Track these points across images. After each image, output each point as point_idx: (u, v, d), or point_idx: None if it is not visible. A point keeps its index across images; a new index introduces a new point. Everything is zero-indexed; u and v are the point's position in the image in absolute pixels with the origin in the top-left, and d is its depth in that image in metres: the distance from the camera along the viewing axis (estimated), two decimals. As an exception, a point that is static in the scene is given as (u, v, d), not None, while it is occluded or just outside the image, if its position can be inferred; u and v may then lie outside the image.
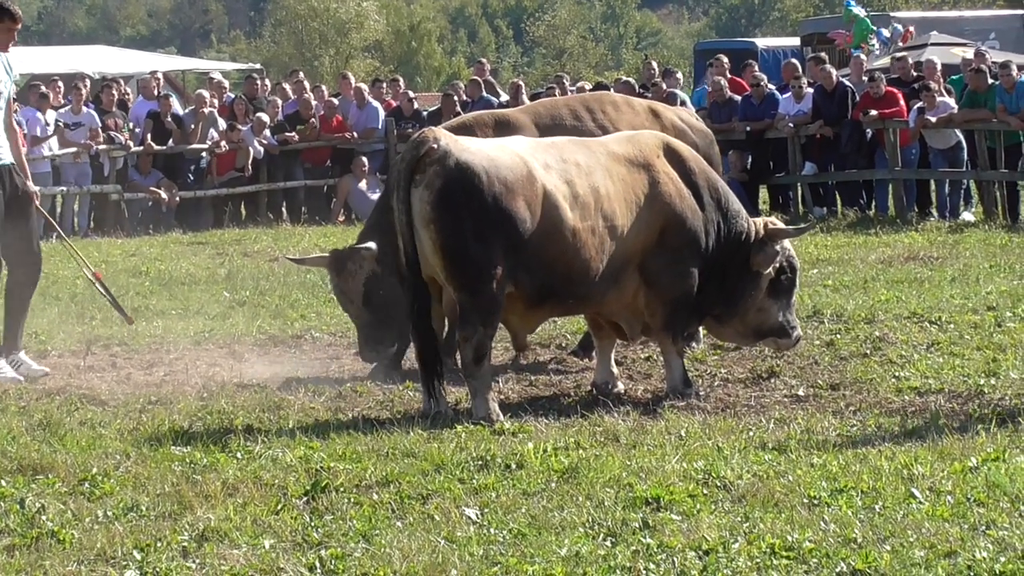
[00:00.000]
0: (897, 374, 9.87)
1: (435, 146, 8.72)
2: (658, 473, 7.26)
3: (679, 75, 25.37)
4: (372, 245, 10.30)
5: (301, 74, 26.53)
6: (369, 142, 23.57)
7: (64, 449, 7.97)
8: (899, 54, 25.21)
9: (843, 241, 18.31)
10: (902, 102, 20.76)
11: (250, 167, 23.14)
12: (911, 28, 32.24)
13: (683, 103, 20.46)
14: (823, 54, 24.84)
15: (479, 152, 8.84)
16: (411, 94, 25.04)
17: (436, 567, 5.99)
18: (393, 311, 10.06)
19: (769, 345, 10.15)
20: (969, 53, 25.39)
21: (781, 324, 9.82)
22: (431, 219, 8.65)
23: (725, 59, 24.44)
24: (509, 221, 8.72)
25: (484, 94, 23.77)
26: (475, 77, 25.35)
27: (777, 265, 9.71)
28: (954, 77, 22.11)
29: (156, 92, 23.83)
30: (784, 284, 9.79)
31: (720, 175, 10.29)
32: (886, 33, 31.86)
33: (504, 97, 23.89)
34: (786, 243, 9.82)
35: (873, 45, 30.57)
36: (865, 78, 21.86)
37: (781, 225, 9.94)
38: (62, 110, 22.08)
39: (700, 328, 11.30)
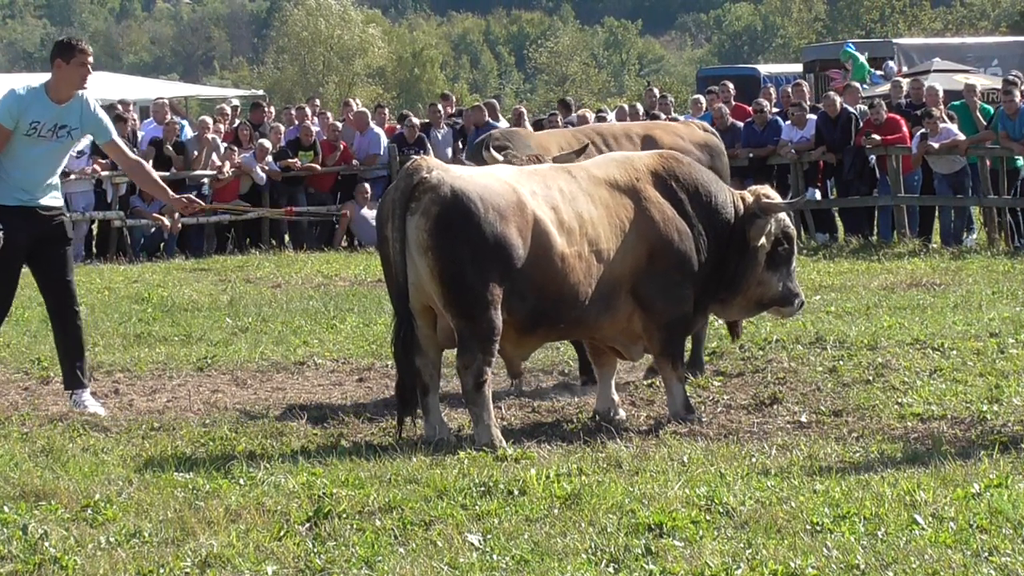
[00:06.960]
0: (900, 400, 9.86)
1: (428, 175, 8.74)
2: (661, 499, 7.25)
3: (670, 98, 25.56)
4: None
5: (318, 101, 26.49)
6: (371, 168, 23.59)
7: (67, 475, 7.96)
8: (899, 79, 25.28)
9: (846, 267, 18.33)
10: (904, 129, 20.80)
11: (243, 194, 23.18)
12: (903, 69, 32.56)
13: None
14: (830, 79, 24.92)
15: (471, 180, 8.87)
16: (415, 120, 24.81)
17: (439, 593, 5.99)
18: None
19: (772, 313, 10.30)
20: (972, 79, 25.47)
21: (783, 294, 9.90)
22: (428, 246, 8.66)
23: (731, 85, 24.53)
24: (504, 247, 8.74)
25: (488, 119, 23.80)
26: (478, 104, 25.38)
27: (772, 236, 9.75)
28: (956, 103, 22.14)
29: (167, 117, 23.82)
30: (782, 255, 9.83)
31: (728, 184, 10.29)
32: (880, 74, 32.16)
33: (505, 124, 23.90)
34: (780, 213, 9.86)
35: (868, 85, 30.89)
36: (865, 106, 21.88)
37: (774, 198, 9.90)
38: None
39: (704, 356, 11.35)
